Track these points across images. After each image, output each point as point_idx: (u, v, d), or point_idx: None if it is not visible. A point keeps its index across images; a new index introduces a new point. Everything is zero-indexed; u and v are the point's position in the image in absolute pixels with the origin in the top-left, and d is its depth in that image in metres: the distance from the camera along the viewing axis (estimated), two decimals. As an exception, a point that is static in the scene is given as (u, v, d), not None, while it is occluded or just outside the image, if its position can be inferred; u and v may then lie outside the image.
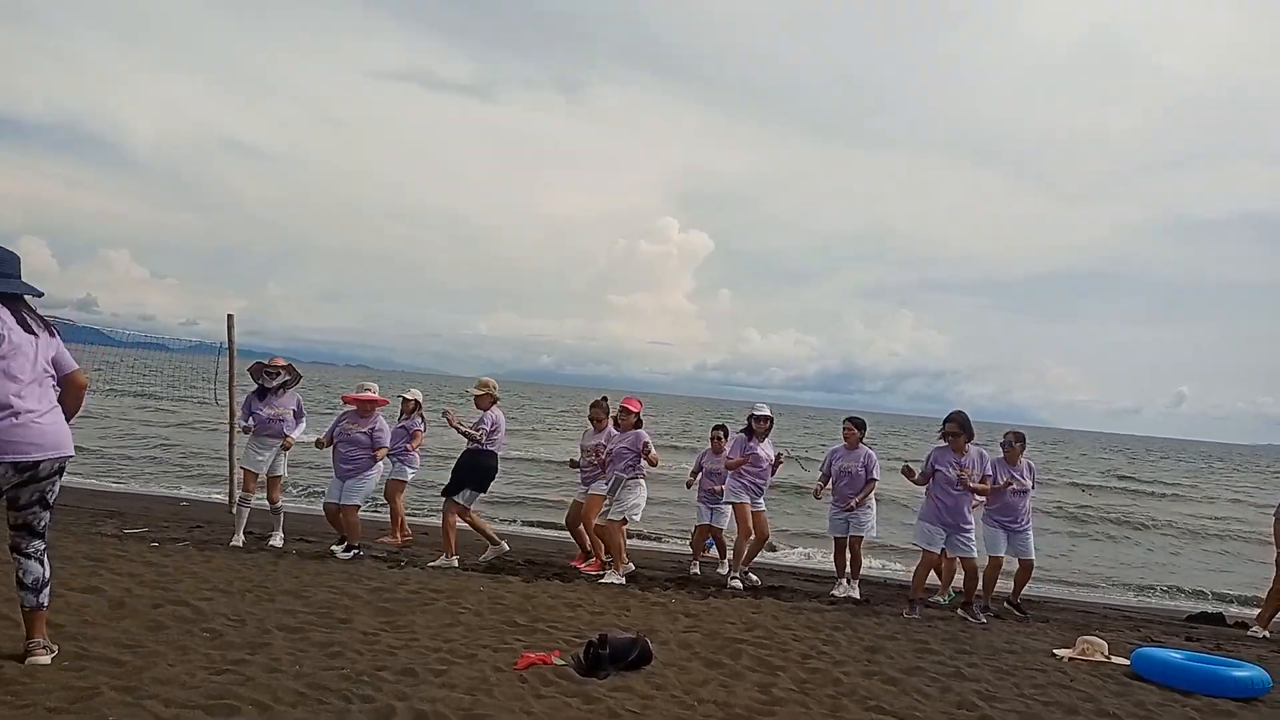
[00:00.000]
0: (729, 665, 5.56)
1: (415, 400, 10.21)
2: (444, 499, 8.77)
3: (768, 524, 9.34)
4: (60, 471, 4.34)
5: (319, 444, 9.11)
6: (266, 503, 8.93)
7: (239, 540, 8.63)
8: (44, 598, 4.36)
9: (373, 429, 8.81)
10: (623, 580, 8.38)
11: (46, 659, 4.29)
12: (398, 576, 7.60)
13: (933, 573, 8.70)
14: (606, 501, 8.72)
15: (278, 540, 8.78)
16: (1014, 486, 8.51)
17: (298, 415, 9.01)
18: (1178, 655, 6.28)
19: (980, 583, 8.32)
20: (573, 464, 9.72)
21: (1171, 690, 5.84)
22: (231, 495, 11.20)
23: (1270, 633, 9.00)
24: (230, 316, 11.68)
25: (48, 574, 4.40)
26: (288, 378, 9.01)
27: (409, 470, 10.10)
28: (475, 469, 8.68)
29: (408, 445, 9.98)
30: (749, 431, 9.15)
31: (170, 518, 10.27)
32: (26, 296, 4.41)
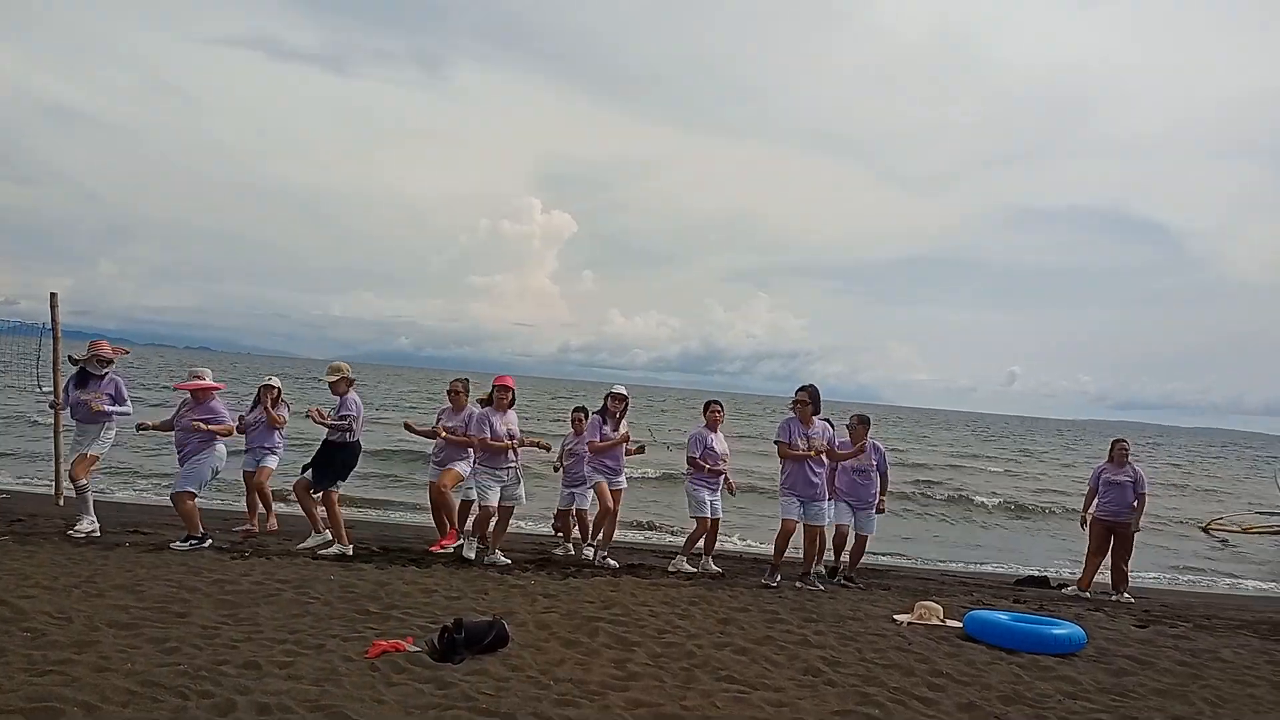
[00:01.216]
0: (586, 643, 5.60)
1: (278, 388, 9.77)
2: (300, 481, 8.49)
3: (619, 502, 9.41)
4: None
5: (140, 427, 8.69)
6: (69, 482, 8.43)
7: (88, 525, 8.23)
8: None
9: (210, 417, 8.42)
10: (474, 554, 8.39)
11: None
12: (241, 568, 7.27)
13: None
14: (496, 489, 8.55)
15: (84, 526, 8.26)
16: (856, 464, 8.97)
17: (116, 399, 8.49)
18: (1004, 616, 6.73)
19: (820, 553, 8.66)
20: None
21: (999, 649, 6.25)
22: (58, 486, 10.47)
23: (1090, 594, 9.79)
24: (53, 295, 10.85)
25: None
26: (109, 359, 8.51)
27: (275, 457, 9.70)
28: (333, 463, 8.42)
29: (276, 433, 9.61)
30: (604, 412, 9.22)
31: (-13, 511, 9.48)
32: None
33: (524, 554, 9.20)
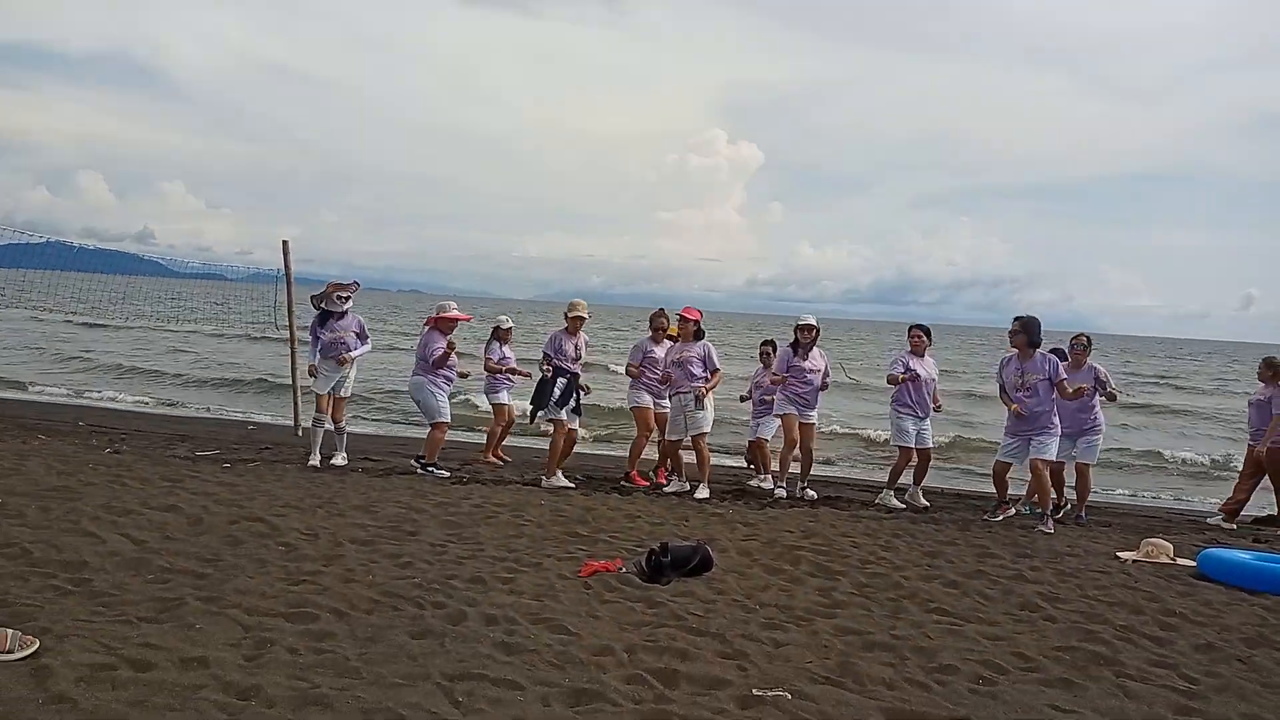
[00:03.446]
0: (789, 571, 5.63)
1: (508, 328, 10.30)
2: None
3: (814, 437, 9.25)
4: None
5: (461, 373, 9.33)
6: (330, 424, 9.11)
7: (315, 460, 8.84)
8: None
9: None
10: (708, 494, 8.50)
11: None
12: (461, 492, 7.77)
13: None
14: (683, 416, 8.69)
15: (340, 459, 8.98)
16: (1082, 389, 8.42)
17: (361, 337, 9.14)
18: (1245, 555, 6.20)
19: (1047, 493, 8.22)
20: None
21: (1239, 590, 5.77)
22: (297, 418, 11.52)
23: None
24: (285, 243, 11.82)
25: None
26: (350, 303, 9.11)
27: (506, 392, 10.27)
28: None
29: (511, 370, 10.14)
30: (795, 344, 9.06)
31: (239, 440, 10.59)
32: None
33: (721, 485, 9.31)
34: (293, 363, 11.61)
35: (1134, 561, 6.53)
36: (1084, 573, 6.06)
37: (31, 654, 3.34)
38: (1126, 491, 12.88)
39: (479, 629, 4.12)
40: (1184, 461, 16.20)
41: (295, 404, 11.65)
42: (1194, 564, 6.36)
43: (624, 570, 5.34)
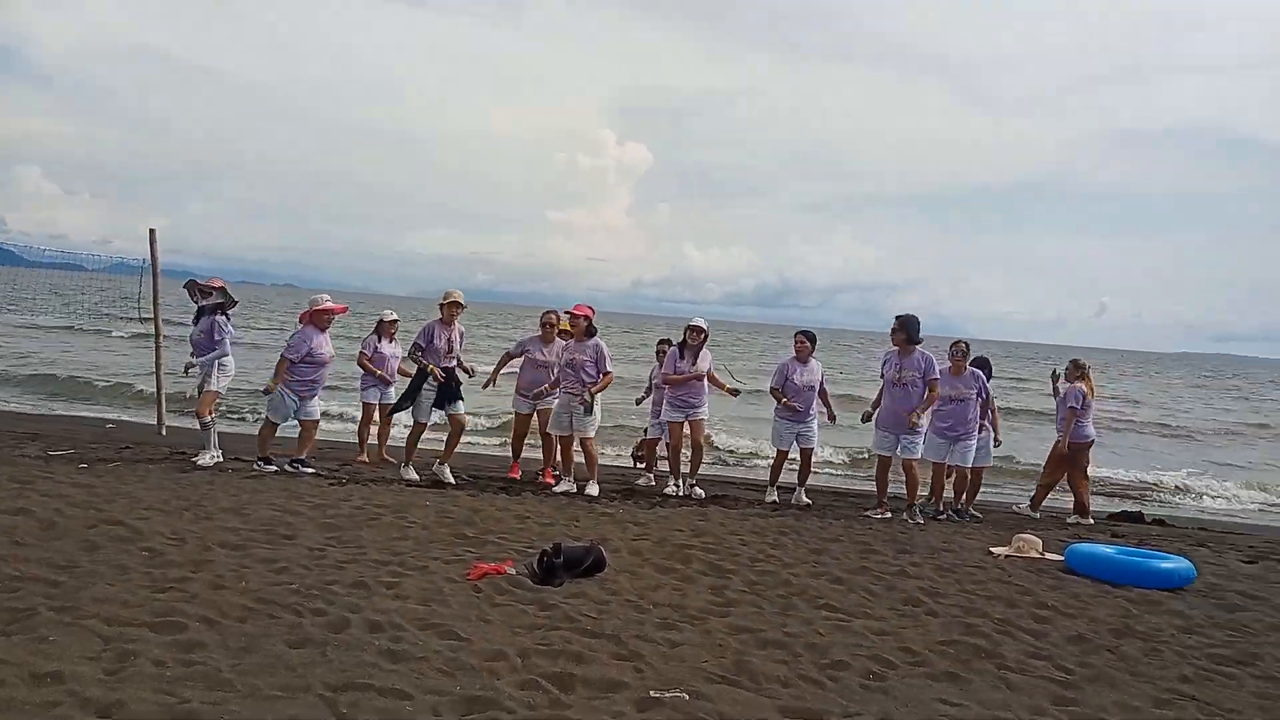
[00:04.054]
0: (681, 570, 5.61)
1: (392, 320, 9.96)
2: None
3: (702, 432, 9.32)
4: None
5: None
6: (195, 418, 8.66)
7: (208, 459, 8.44)
8: None
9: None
10: (598, 491, 8.47)
11: None
12: (340, 493, 7.47)
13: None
14: (572, 415, 8.59)
15: (205, 458, 8.49)
16: (955, 393, 8.76)
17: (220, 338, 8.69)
18: (1110, 549, 6.54)
19: (915, 487, 8.50)
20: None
21: (1104, 583, 6.08)
22: (160, 416, 10.89)
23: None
24: (152, 231, 11.18)
25: None
26: (220, 299, 8.64)
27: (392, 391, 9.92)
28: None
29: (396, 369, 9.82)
30: (682, 345, 9.11)
31: (97, 439, 9.91)
32: None
33: (610, 484, 9.25)
34: (157, 357, 10.98)
35: (1006, 556, 6.80)
36: (961, 568, 6.27)
37: None
38: (993, 489, 13.45)
39: (363, 636, 3.93)
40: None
41: (160, 400, 11.02)
42: (1062, 558, 6.67)
43: (515, 572, 5.21)
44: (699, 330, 9.01)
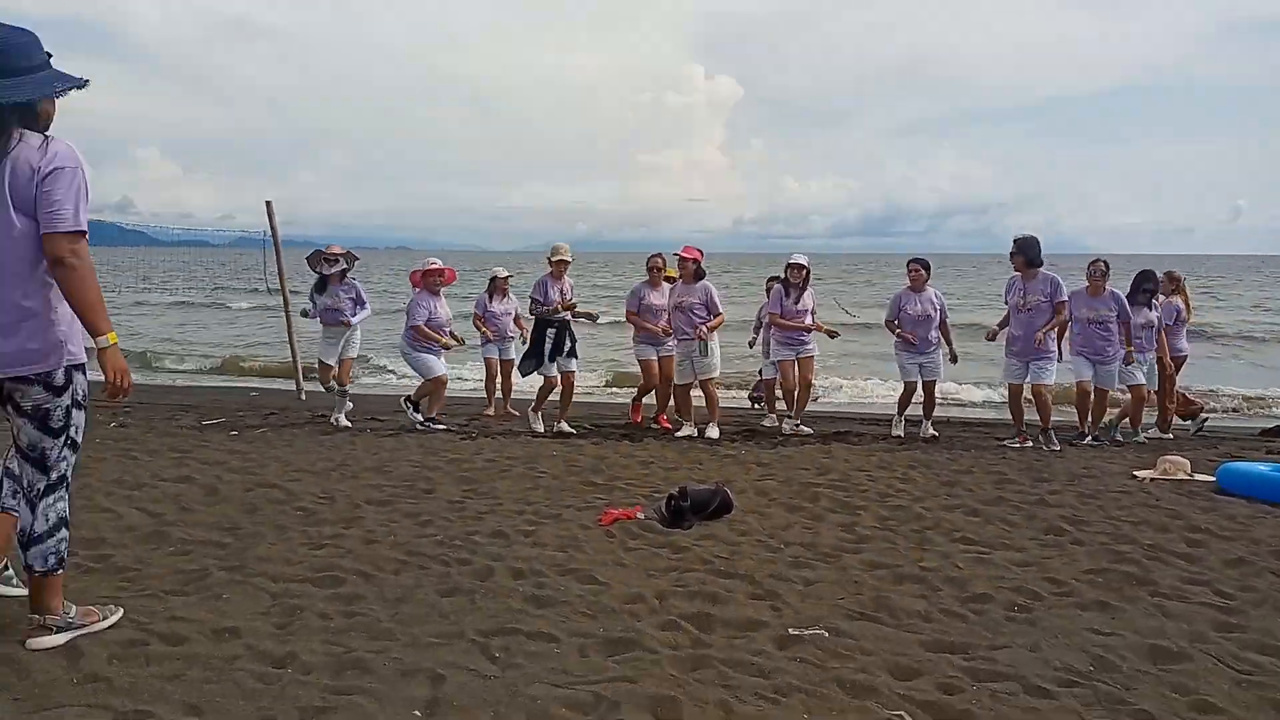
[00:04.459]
0: (809, 508, 5.60)
1: (505, 277, 10.22)
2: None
3: (813, 370, 9.20)
4: (38, 383, 3.09)
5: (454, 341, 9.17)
6: (335, 384, 9.11)
7: (342, 418, 8.97)
8: (36, 559, 3.16)
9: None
10: (719, 434, 8.53)
11: (47, 641, 3.16)
12: (472, 448, 7.73)
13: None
14: (690, 360, 8.61)
15: (342, 420, 8.94)
16: (1094, 315, 8.39)
17: (358, 303, 9.06)
18: (1264, 467, 6.19)
19: (1048, 413, 8.20)
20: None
21: (1261, 503, 5.77)
22: (299, 382, 11.44)
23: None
24: (269, 203, 11.64)
25: (39, 526, 3.16)
26: (345, 265, 9.00)
27: (513, 347, 10.19)
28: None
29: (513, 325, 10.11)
30: (785, 284, 8.98)
31: (244, 407, 10.50)
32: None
33: (729, 427, 9.27)
34: (289, 325, 11.49)
35: (1152, 480, 6.53)
36: (1104, 494, 6.05)
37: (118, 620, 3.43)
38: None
39: (507, 583, 4.09)
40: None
41: (296, 367, 11.56)
42: (1213, 479, 6.35)
43: (644, 517, 5.30)
44: (800, 268, 8.88)
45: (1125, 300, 8.56)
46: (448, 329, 8.97)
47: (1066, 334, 8.65)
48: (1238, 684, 3.08)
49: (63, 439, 3.17)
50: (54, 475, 3.19)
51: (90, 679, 2.96)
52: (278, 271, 11.58)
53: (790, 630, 3.53)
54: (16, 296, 2.99)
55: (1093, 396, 8.51)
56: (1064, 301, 8.12)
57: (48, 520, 3.17)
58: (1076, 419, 8.68)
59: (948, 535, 5.00)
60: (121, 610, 3.52)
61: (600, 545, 4.74)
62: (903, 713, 2.83)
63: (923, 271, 9.03)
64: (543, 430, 8.75)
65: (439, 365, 8.89)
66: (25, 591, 3.34)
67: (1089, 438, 8.48)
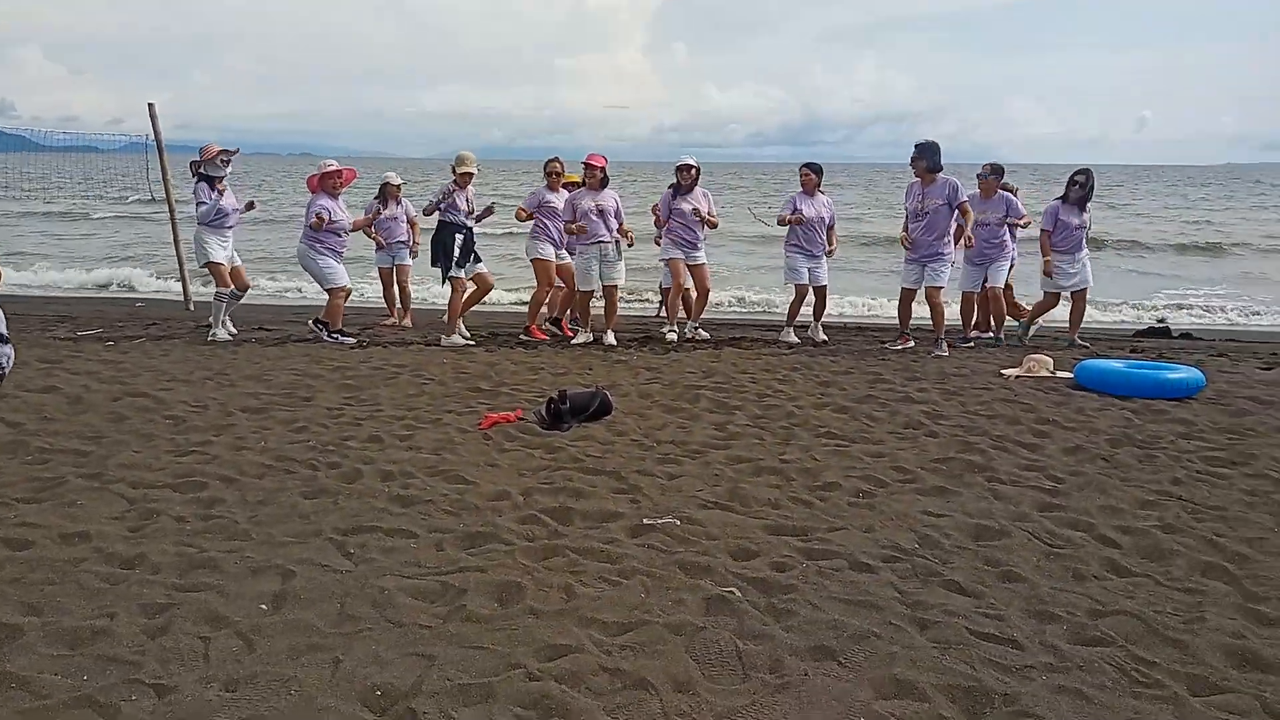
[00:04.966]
0: (688, 409, 5.75)
1: (398, 184, 9.90)
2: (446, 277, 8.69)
3: (707, 278, 9.28)
4: None
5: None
6: (238, 291, 8.83)
7: (223, 333, 8.59)
8: None
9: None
10: (591, 339, 8.59)
11: None
12: (360, 355, 7.65)
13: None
14: (603, 264, 8.59)
15: (222, 332, 8.68)
16: (983, 218, 8.63)
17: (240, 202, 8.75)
18: (1117, 364, 6.55)
19: (942, 316, 8.44)
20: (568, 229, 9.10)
21: (1112, 398, 6.13)
22: (186, 292, 11.07)
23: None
24: (151, 105, 11.04)
25: None
26: (211, 170, 8.59)
27: (408, 253, 9.95)
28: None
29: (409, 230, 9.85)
30: (675, 186, 8.97)
31: (125, 318, 10.14)
32: None
33: (627, 332, 9.35)
34: (174, 233, 11.05)
35: (1016, 377, 6.86)
36: (968, 390, 6.34)
37: None
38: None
39: (374, 485, 4.13)
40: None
41: (183, 277, 11.18)
42: (1072, 376, 6.71)
43: (524, 420, 5.37)
44: (689, 168, 8.86)
45: (1015, 203, 8.81)
46: (345, 232, 8.73)
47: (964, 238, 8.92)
48: (1046, 556, 3.34)
49: None
50: None
51: (-78, 584, 2.92)
52: (162, 177, 11.08)
53: (644, 520, 3.67)
54: None
55: (989, 300, 8.83)
56: (964, 201, 8.27)
57: None
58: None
59: (813, 431, 5.21)
60: None
61: (475, 448, 4.80)
62: (733, 589, 2.99)
63: (813, 176, 9.12)
64: (465, 339, 8.62)
65: (342, 274, 8.67)
66: None
67: (971, 342, 8.82)
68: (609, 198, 8.57)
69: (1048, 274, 8.79)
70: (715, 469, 4.43)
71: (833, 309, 11.02)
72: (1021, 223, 8.91)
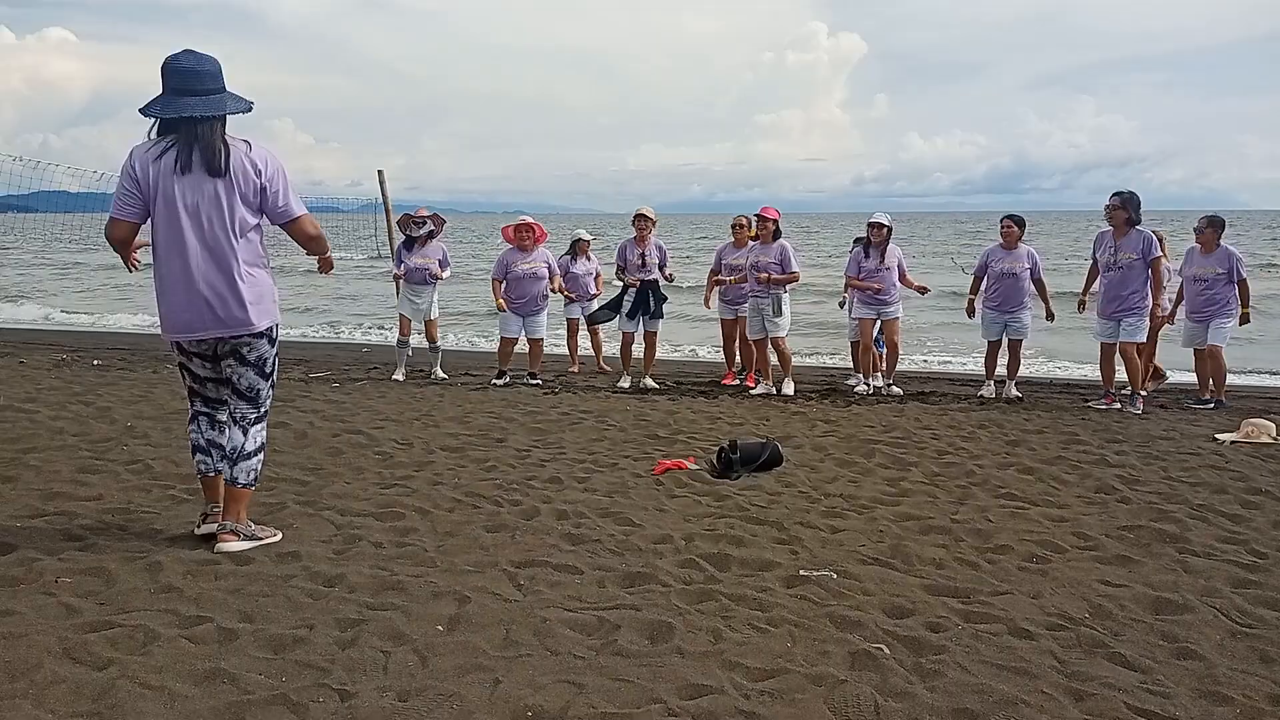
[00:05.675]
0: (861, 464, 5.71)
1: (588, 240, 10.54)
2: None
3: (897, 332, 9.13)
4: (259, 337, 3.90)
5: (499, 308, 9.42)
6: (427, 343, 9.66)
7: (400, 375, 9.44)
8: (240, 473, 3.92)
9: (548, 264, 9.32)
10: (794, 390, 8.67)
11: (236, 546, 3.84)
12: (551, 401, 8.09)
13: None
14: (762, 317, 8.70)
15: (439, 373, 9.52)
16: (1199, 272, 8.14)
17: (442, 265, 9.52)
18: (1353, 432, 5.92)
19: (1137, 373, 7.95)
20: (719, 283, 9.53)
21: (1343, 468, 5.55)
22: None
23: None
24: (380, 172, 12.23)
25: (249, 446, 3.95)
26: (432, 227, 9.48)
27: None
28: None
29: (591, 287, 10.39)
30: (865, 244, 8.93)
31: (352, 362, 11.17)
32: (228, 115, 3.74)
33: (811, 384, 9.35)
34: (397, 286, 12.10)
35: (1233, 443, 6.32)
36: (1173, 455, 5.92)
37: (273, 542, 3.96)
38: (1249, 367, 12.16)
39: (550, 523, 4.39)
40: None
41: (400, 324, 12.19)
42: (1298, 443, 6.12)
43: (695, 468, 5.53)
44: (879, 226, 8.81)
45: (1237, 258, 8.20)
46: (540, 284, 9.27)
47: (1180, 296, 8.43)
48: (1232, 635, 3.10)
49: (269, 380, 4.05)
50: (263, 409, 4.04)
51: (165, 589, 3.41)
52: (388, 235, 12.20)
53: (800, 571, 3.71)
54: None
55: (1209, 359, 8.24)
56: (1159, 257, 7.82)
57: (256, 442, 3.98)
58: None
59: (992, 491, 5.04)
60: (280, 534, 4.07)
61: (647, 493, 5.00)
62: (881, 645, 2.98)
63: (1015, 228, 8.85)
64: (626, 386, 9.03)
65: (511, 326, 9.29)
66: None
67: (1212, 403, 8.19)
68: (775, 251, 8.63)
69: None
70: (881, 525, 4.39)
71: (1037, 369, 10.55)
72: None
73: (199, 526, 4.07)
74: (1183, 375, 9.45)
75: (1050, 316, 8.84)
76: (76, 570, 3.55)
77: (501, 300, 9.26)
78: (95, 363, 10.23)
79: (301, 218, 3.91)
